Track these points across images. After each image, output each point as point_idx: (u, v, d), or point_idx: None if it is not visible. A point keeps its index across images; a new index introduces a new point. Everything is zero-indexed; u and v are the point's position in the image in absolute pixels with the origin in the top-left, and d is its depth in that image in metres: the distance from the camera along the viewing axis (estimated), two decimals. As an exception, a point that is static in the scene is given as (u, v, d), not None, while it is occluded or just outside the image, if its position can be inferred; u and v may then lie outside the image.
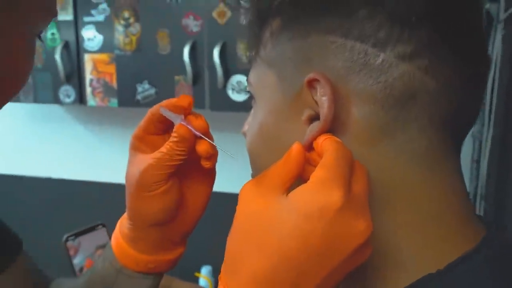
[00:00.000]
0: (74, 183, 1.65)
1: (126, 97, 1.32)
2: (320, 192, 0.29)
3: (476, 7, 0.35)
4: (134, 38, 1.28)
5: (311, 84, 0.33)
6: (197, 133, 0.37)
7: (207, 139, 0.37)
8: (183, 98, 0.38)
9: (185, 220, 0.43)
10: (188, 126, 0.37)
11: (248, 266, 0.30)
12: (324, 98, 0.32)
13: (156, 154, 0.38)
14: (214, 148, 0.39)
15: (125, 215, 0.45)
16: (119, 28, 1.29)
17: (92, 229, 0.98)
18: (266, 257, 0.29)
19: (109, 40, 1.30)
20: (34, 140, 1.67)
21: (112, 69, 1.32)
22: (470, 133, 1.17)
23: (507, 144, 1.15)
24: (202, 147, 0.38)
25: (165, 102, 0.39)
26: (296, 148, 0.32)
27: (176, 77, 1.26)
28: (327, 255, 0.29)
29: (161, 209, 0.40)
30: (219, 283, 0.32)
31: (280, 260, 0.29)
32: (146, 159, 0.39)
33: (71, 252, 0.96)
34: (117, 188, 1.60)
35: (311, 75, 0.32)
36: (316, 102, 0.33)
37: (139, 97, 1.31)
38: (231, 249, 0.32)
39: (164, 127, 0.41)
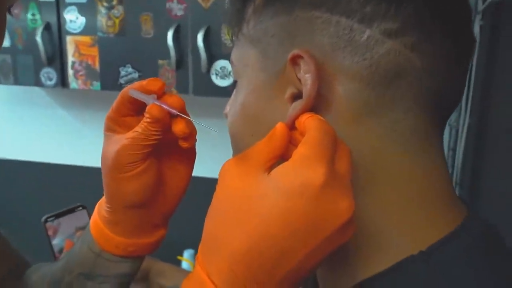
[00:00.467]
0: (55, 167, 1.63)
1: (108, 80, 1.31)
2: (302, 169, 0.28)
3: None
4: (117, 21, 1.27)
5: (295, 61, 0.32)
6: (173, 110, 0.36)
7: (183, 115, 0.36)
8: (153, 81, 0.37)
9: (166, 202, 0.42)
10: (162, 105, 0.36)
11: (227, 245, 0.29)
12: (307, 75, 0.31)
13: (130, 134, 0.37)
14: (191, 127, 0.38)
15: (103, 198, 0.43)
16: (102, 10, 1.27)
17: (71, 210, 0.98)
18: (246, 235, 0.29)
19: (92, 23, 1.28)
20: (15, 123, 1.65)
21: (94, 51, 1.31)
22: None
23: (482, 133, 1.18)
24: (178, 127, 0.37)
25: (135, 84, 0.38)
26: (280, 127, 0.31)
27: (160, 61, 1.26)
28: (309, 233, 0.28)
29: (138, 190, 0.39)
30: (196, 263, 0.32)
31: (260, 238, 0.28)
32: (121, 139, 0.38)
33: (50, 233, 0.96)
34: (98, 172, 1.60)
35: (295, 52, 0.32)
36: (299, 80, 0.32)
37: (122, 80, 1.30)
38: (210, 228, 0.31)
39: (137, 108, 0.40)
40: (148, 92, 0.37)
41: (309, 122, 0.31)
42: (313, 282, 0.42)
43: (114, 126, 0.40)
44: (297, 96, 0.33)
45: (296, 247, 0.28)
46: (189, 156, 0.42)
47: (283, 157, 0.31)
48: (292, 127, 0.32)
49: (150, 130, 0.36)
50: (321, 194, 0.28)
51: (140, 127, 0.37)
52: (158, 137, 0.37)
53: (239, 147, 0.37)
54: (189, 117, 0.38)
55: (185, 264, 1.34)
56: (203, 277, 0.30)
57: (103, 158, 0.40)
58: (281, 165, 0.29)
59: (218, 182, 0.31)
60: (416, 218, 0.33)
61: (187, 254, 1.37)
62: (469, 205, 0.37)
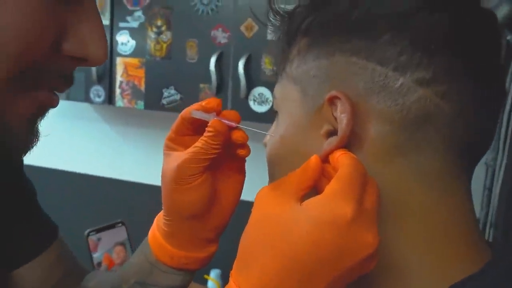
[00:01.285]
0: (97, 179, 1.71)
1: (152, 100, 1.38)
2: (334, 204, 0.31)
3: (495, 36, 0.36)
4: (164, 45, 1.35)
5: (332, 101, 0.34)
6: (232, 123, 0.39)
7: (241, 126, 0.40)
8: (212, 100, 0.41)
9: (219, 215, 0.45)
10: (222, 120, 0.39)
11: (259, 265, 0.32)
12: (343, 115, 0.33)
13: (191, 149, 0.40)
14: (247, 136, 0.41)
15: (162, 211, 0.46)
16: (151, 35, 1.35)
17: (112, 226, 1.04)
18: (278, 258, 0.31)
19: (141, 46, 1.36)
20: (63, 136, 1.75)
21: (141, 73, 1.39)
22: (483, 160, 1.18)
23: (520, 174, 1.15)
24: (237, 135, 0.40)
25: (195, 105, 0.41)
26: (314, 159, 0.34)
27: (201, 85, 1.32)
28: (334, 262, 0.30)
29: (197, 200, 0.42)
30: (230, 278, 0.34)
31: (290, 262, 0.31)
32: (182, 155, 0.40)
33: (91, 247, 1.01)
34: (137, 187, 1.66)
35: (333, 93, 0.34)
36: (335, 118, 0.34)
37: (164, 101, 1.37)
38: (245, 248, 0.34)
39: (194, 128, 0.42)
40: (208, 110, 0.40)
41: (342, 159, 0.33)
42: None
43: (173, 145, 0.43)
44: (331, 133, 0.35)
45: (321, 273, 0.31)
46: (240, 171, 0.45)
47: (315, 188, 0.34)
48: (325, 160, 0.35)
49: (210, 144, 0.39)
50: (348, 228, 0.30)
51: (200, 143, 0.39)
52: (217, 151, 0.39)
53: (275, 174, 0.40)
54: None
55: (210, 283, 1.36)
56: None
57: (164, 173, 0.43)
58: (315, 197, 0.32)
59: (254, 205, 0.34)
60: (439, 256, 0.34)
61: (213, 273, 1.40)
62: (496, 248, 0.37)
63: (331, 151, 0.34)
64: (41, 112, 0.35)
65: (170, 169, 0.41)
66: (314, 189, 0.35)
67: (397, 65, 0.33)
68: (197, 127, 0.43)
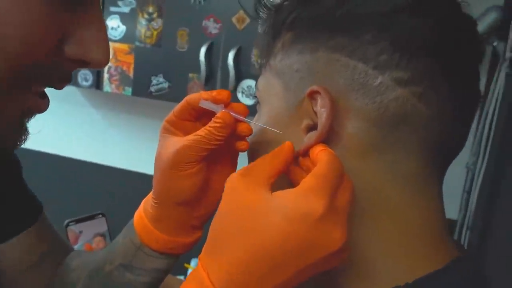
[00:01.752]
0: (81, 163, 1.70)
1: (140, 87, 1.38)
2: (306, 199, 0.31)
3: (474, 42, 0.36)
4: (155, 33, 1.34)
5: (313, 95, 0.35)
6: (240, 117, 0.39)
7: (249, 121, 0.40)
8: (222, 92, 0.40)
9: (207, 204, 0.45)
10: (231, 112, 0.39)
11: (228, 252, 0.32)
12: (323, 109, 0.34)
13: (192, 137, 0.40)
14: (252, 130, 0.41)
15: (150, 194, 0.46)
16: (142, 21, 1.34)
17: (92, 217, 1.04)
18: (246, 247, 0.32)
19: (131, 32, 1.35)
20: (48, 118, 1.72)
21: (130, 59, 1.38)
22: (464, 164, 1.19)
23: (498, 179, 1.18)
24: (243, 127, 0.39)
25: (204, 94, 0.40)
26: (286, 146, 0.34)
27: (190, 75, 1.31)
28: (301, 256, 0.31)
29: (189, 188, 0.42)
30: (198, 262, 0.35)
31: (257, 252, 0.31)
32: (181, 141, 0.40)
33: (72, 239, 1.01)
34: (120, 173, 1.66)
35: (314, 87, 0.35)
36: (315, 113, 0.35)
37: (152, 89, 1.36)
38: (215, 233, 0.34)
39: (197, 115, 0.42)
40: (217, 101, 0.40)
41: (321, 155, 0.34)
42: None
43: (172, 128, 0.43)
44: (311, 128, 0.36)
45: (287, 265, 0.32)
46: (232, 164, 0.45)
47: (292, 179, 0.35)
48: (305, 154, 0.35)
49: (214, 134, 0.39)
50: (318, 224, 0.31)
51: (203, 131, 0.39)
52: (220, 142, 0.39)
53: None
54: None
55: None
56: (203, 275, 0.33)
57: (159, 156, 0.42)
58: (288, 190, 0.33)
59: (224, 191, 0.35)
60: (407, 251, 0.35)
61: (194, 263, 1.40)
62: (463, 249, 0.39)
63: (311, 146, 0.35)
64: (28, 115, 0.35)
65: (167, 153, 0.41)
66: (289, 181, 0.36)
67: (377, 64, 0.34)
68: (198, 115, 0.43)
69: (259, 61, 0.42)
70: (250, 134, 0.40)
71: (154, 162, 0.43)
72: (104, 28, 0.33)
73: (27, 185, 0.55)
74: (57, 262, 0.55)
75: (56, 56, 0.32)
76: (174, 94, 1.32)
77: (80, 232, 1.00)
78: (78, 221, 1.00)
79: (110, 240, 1.03)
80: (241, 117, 0.39)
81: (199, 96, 0.41)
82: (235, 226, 0.33)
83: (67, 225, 0.99)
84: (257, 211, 0.32)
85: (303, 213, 0.31)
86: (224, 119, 0.38)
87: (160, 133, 0.43)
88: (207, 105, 0.40)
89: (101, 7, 0.34)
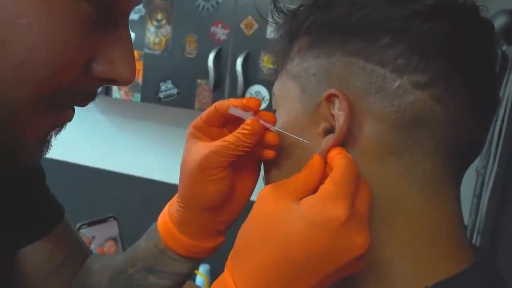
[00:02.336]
0: (91, 170, 1.71)
1: (149, 93, 1.38)
2: (328, 205, 0.31)
3: (491, 45, 0.37)
4: (164, 39, 1.35)
5: (330, 99, 0.35)
6: (269, 125, 0.39)
7: (278, 129, 0.39)
8: (252, 100, 0.41)
9: (231, 210, 0.45)
10: (261, 121, 0.39)
11: (253, 259, 0.33)
12: (340, 112, 0.34)
13: (221, 143, 0.40)
14: (279, 140, 0.41)
15: (175, 198, 0.46)
16: (151, 28, 1.35)
17: (103, 220, 1.04)
18: (271, 253, 0.32)
19: (140, 39, 1.37)
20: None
21: (139, 65, 1.39)
22: (474, 168, 1.19)
23: (509, 183, 1.17)
24: (271, 136, 0.39)
25: (234, 101, 0.41)
26: (317, 162, 0.35)
27: (199, 81, 1.32)
28: (324, 262, 0.31)
29: (216, 193, 0.42)
30: (225, 268, 0.35)
31: (282, 258, 0.32)
32: (209, 146, 0.40)
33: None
34: (130, 180, 1.66)
35: (331, 91, 0.35)
36: (332, 116, 0.35)
37: (161, 95, 1.37)
38: (241, 241, 0.35)
39: (224, 121, 0.43)
40: (247, 109, 0.40)
41: (337, 159, 0.34)
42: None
43: (198, 133, 0.43)
44: (328, 131, 0.36)
45: (312, 271, 0.32)
46: (256, 171, 0.46)
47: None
48: (324, 158, 0.36)
49: (243, 141, 0.39)
50: (341, 230, 0.31)
51: (231, 137, 0.39)
52: (247, 149, 0.39)
53: (271, 170, 0.41)
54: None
55: (199, 278, 1.37)
56: (229, 282, 0.34)
57: (185, 161, 0.43)
58: (310, 197, 0.33)
59: (255, 202, 0.35)
60: (425, 256, 0.35)
61: (202, 268, 1.40)
62: (480, 252, 0.38)
63: (329, 149, 0.35)
64: (56, 129, 0.36)
65: (194, 158, 0.41)
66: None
67: (395, 67, 0.34)
68: (226, 121, 0.43)
69: (273, 65, 0.42)
70: (277, 144, 0.40)
71: (180, 167, 0.43)
72: (131, 45, 0.34)
73: (49, 190, 0.55)
74: (78, 265, 0.55)
75: (84, 76, 0.32)
76: (182, 100, 1.32)
77: (93, 237, 1.00)
78: (90, 224, 1.01)
79: (121, 244, 1.04)
80: (270, 126, 0.39)
81: (228, 103, 0.41)
82: (260, 234, 0.33)
83: (79, 228, 0.99)
84: (281, 219, 0.33)
85: (325, 220, 0.31)
86: (253, 127, 0.38)
87: (187, 138, 0.44)
88: (237, 112, 0.40)
89: (129, 28, 0.34)
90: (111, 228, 1.03)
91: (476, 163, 1.23)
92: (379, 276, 0.36)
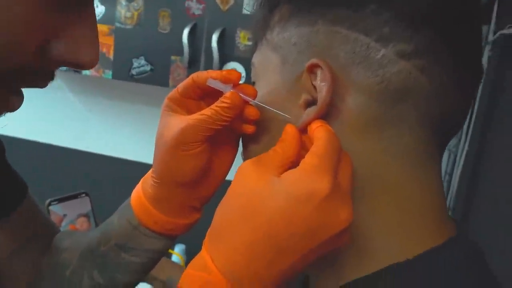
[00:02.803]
0: (61, 149, 1.66)
1: (121, 70, 1.34)
2: (310, 179, 0.31)
3: (477, 18, 0.36)
4: (136, 13, 1.30)
5: (312, 69, 0.34)
6: (249, 99, 0.38)
7: (262, 104, 0.38)
8: (233, 72, 0.39)
9: (208, 186, 0.44)
10: (240, 94, 0.38)
11: (233, 236, 0.32)
12: (323, 83, 0.33)
13: (198, 116, 0.38)
14: (259, 114, 0.39)
15: (149, 173, 0.45)
16: (122, 1, 1.30)
17: (75, 196, 1.01)
18: (251, 230, 0.31)
19: (111, 12, 1.31)
20: (24, 103, 1.68)
21: (110, 41, 1.34)
22: (446, 146, 1.20)
23: (480, 161, 1.20)
24: (250, 110, 0.38)
25: (212, 72, 0.39)
26: (292, 132, 0.34)
27: (173, 57, 1.29)
28: (308, 238, 0.31)
29: (191, 169, 0.41)
30: (203, 247, 0.34)
31: (263, 235, 0.31)
32: (186, 119, 0.39)
33: (55, 220, 0.98)
34: (102, 159, 1.62)
35: (313, 60, 0.34)
36: (314, 87, 0.34)
37: (133, 72, 1.33)
38: (220, 218, 0.34)
39: (202, 94, 0.41)
40: (227, 81, 0.39)
41: (318, 132, 0.33)
42: (302, 281, 0.44)
43: (174, 106, 0.41)
44: (310, 103, 0.35)
45: (295, 247, 0.31)
46: (234, 146, 0.44)
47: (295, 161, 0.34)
48: (304, 131, 0.35)
49: (221, 115, 0.37)
50: (324, 204, 0.31)
51: (209, 111, 0.38)
52: (226, 123, 0.38)
53: (249, 144, 0.40)
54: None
55: (175, 257, 1.36)
56: (207, 260, 0.33)
57: (161, 135, 0.41)
58: (291, 171, 0.32)
59: (234, 178, 0.34)
60: (407, 228, 0.35)
61: (178, 248, 1.39)
62: (462, 226, 0.39)
63: (310, 122, 0.34)
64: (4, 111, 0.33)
65: (170, 132, 0.40)
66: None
67: (380, 36, 0.33)
68: (202, 93, 0.41)
69: (253, 36, 0.41)
70: (257, 118, 0.38)
71: (155, 141, 0.42)
72: (95, 28, 0.31)
73: (11, 167, 0.53)
74: (45, 244, 0.53)
75: (40, 58, 0.29)
76: (156, 77, 1.29)
77: (65, 215, 0.97)
78: (60, 200, 0.97)
79: (94, 221, 1.01)
80: (250, 99, 0.38)
81: (207, 75, 0.39)
82: (239, 211, 0.32)
83: (49, 204, 0.95)
84: (262, 195, 0.32)
85: (308, 194, 0.31)
86: (232, 100, 0.37)
87: (162, 111, 0.42)
88: (215, 84, 0.39)
89: (94, 5, 0.32)
90: (83, 204, 1.00)
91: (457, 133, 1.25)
92: (359, 249, 0.35)
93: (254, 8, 0.40)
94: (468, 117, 1.21)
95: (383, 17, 0.33)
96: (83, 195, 1.01)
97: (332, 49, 0.34)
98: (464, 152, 1.20)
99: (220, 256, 0.32)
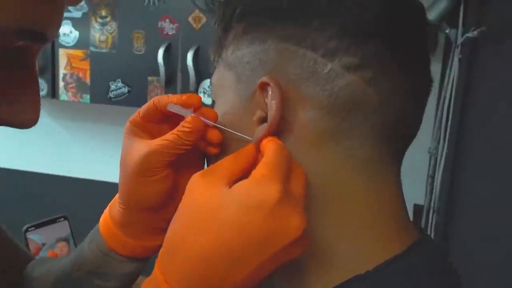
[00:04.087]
0: (40, 176, 1.64)
1: (98, 94, 1.34)
2: (259, 187, 0.31)
3: (422, 27, 0.37)
4: (110, 37, 1.30)
5: (263, 87, 0.34)
6: (210, 122, 0.38)
7: (219, 126, 0.38)
8: (193, 96, 0.39)
9: (175, 207, 0.43)
10: (201, 118, 0.38)
11: (184, 251, 0.32)
12: (273, 101, 0.33)
13: (160, 142, 0.38)
14: (221, 137, 0.39)
15: (115, 198, 0.44)
16: (95, 25, 1.30)
17: (53, 221, 0.98)
18: (203, 242, 0.31)
19: (85, 37, 1.31)
20: (3, 131, 1.66)
21: (86, 65, 1.34)
22: (427, 149, 1.22)
23: (460, 162, 1.22)
24: (214, 135, 0.38)
25: (173, 97, 0.39)
26: (249, 147, 0.35)
27: (150, 78, 1.29)
28: (261, 247, 0.30)
29: (157, 194, 0.40)
30: (155, 266, 0.33)
31: (216, 246, 0.31)
32: (147, 145, 0.39)
33: (34, 250, 0.96)
34: (84, 183, 1.61)
35: (263, 79, 0.34)
36: (266, 105, 0.34)
37: (111, 94, 1.33)
38: (171, 234, 0.33)
39: (163, 117, 0.41)
40: (187, 106, 0.38)
41: (268, 145, 0.34)
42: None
43: (136, 130, 0.41)
44: (264, 119, 0.35)
45: (248, 257, 0.31)
46: (199, 166, 0.44)
47: (246, 175, 0.34)
48: (258, 148, 0.35)
49: (183, 139, 0.37)
50: (274, 211, 0.30)
51: (171, 136, 0.38)
52: (188, 147, 0.38)
53: (211, 161, 0.40)
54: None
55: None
56: (159, 279, 0.32)
57: (124, 160, 0.41)
58: (241, 182, 0.32)
59: (185, 192, 0.34)
60: (366, 239, 0.35)
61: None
62: (422, 231, 0.39)
63: (261, 139, 0.34)
64: None
65: (132, 158, 0.39)
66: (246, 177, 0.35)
67: (326, 51, 0.33)
68: (165, 117, 0.41)
69: (212, 55, 0.41)
70: (220, 141, 0.38)
71: (119, 165, 0.41)
72: (36, 87, 0.31)
73: None
74: (16, 275, 0.52)
75: None
76: (134, 99, 1.29)
77: (43, 244, 0.95)
78: (38, 225, 0.94)
79: (73, 244, 0.99)
80: (211, 123, 0.38)
81: (167, 99, 0.39)
82: (189, 225, 0.32)
83: (27, 230, 0.93)
84: (212, 205, 0.32)
85: (258, 201, 0.30)
86: (193, 124, 0.37)
87: (124, 134, 0.41)
88: (175, 109, 0.39)
89: (36, 68, 0.32)
90: (62, 229, 0.98)
91: (429, 145, 1.27)
92: (320, 262, 0.35)
93: (211, 28, 0.41)
94: (445, 119, 1.23)
95: (327, 32, 0.33)
96: (62, 219, 0.99)
97: (283, 65, 0.35)
98: (444, 154, 1.21)
99: (174, 272, 0.32)
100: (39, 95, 0.31)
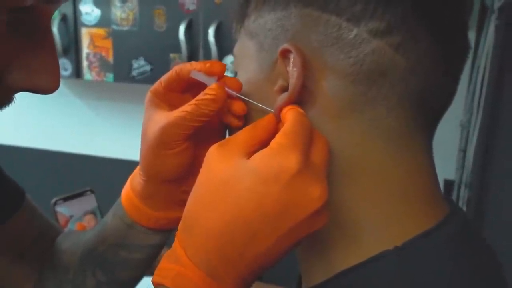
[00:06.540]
0: (66, 155, 1.67)
1: (121, 72, 1.33)
2: (278, 157, 0.30)
3: None
4: (131, 14, 1.29)
5: (285, 54, 0.33)
6: (233, 92, 0.37)
7: (242, 97, 0.37)
8: (216, 63, 0.37)
9: (195, 178, 0.43)
10: (226, 88, 0.36)
11: (203, 224, 0.31)
12: (294, 69, 0.32)
13: (178, 113, 0.37)
14: (246, 109, 0.38)
15: (136, 171, 0.44)
16: (116, 3, 1.29)
17: (80, 194, 1.00)
18: (220, 215, 0.30)
19: (107, 15, 1.30)
20: (28, 111, 1.68)
21: (108, 44, 1.33)
22: (458, 122, 1.17)
23: (494, 135, 1.17)
24: (237, 105, 0.37)
25: (196, 64, 0.38)
26: (268, 116, 0.33)
27: (172, 55, 1.27)
28: (280, 218, 0.30)
29: (175, 167, 0.40)
30: (175, 239, 0.33)
31: (233, 219, 0.30)
32: (167, 117, 0.38)
33: (62, 223, 0.98)
34: (108, 162, 1.62)
35: (285, 46, 0.33)
36: (288, 73, 0.33)
37: (134, 73, 1.32)
38: (190, 207, 0.33)
39: (186, 86, 0.40)
40: (211, 73, 0.37)
41: (288, 114, 0.32)
42: (298, 277, 0.43)
43: (157, 100, 0.40)
44: (285, 89, 0.34)
45: (267, 231, 0.30)
46: (221, 137, 0.42)
47: (265, 145, 0.33)
48: (279, 117, 0.34)
49: (202, 109, 0.36)
50: (294, 181, 0.29)
51: (190, 107, 0.37)
52: (208, 118, 0.37)
53: (232, 133, 0.38)
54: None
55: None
56: (179, 252, 0.32)
57: (144, 132, 0.40)
58: (259, 152, 0.31)
59: (202, 164, 0.33)
60: (394, 214, 0.34)
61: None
62: (454, 205, 0.37)
63: (282, 107, 0.33)
64: None
65: (152, 130, 0.39)
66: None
67: (351, 16, 0.32)
68: (188, 86, 0.40)
69: (234, 26, 0.39)
70: (244, 113, 0.37)
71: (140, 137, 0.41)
72: (54, 53, 0.30)
73: (6, 175, 0.53)
74: (46, 247, 0.53)
75: None
76: (157, 77, 1.25)
77: (71, 216, 0.97)
78: (66, 199, 0.97)
79: (101, 217, 1.01)
80: (234, 93, 0.36)
81: (190, 67, 0.38)
82: (208, 197, 0.31)
83: (55, 203, 0.95)
84: (229, 177, 0.31)
85: (276, 172, 0.29)
86: (217, 91, 0.36)
87: (146, 105, 0.40)
88: (199, 77, 0.37)
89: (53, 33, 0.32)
90: (89, 202, 1.00)
91: (460, 117, 1.22)
92: (347, 237, 0.34)
93: None
94: (479, 90, 1.17)
95: None
96: (88, 192, 1.01)
97: (305, 32, 0.33)
98: (477, 127, 1.16)
99: (193, 246, 0.31)
100: (57, 59, 0.30)
